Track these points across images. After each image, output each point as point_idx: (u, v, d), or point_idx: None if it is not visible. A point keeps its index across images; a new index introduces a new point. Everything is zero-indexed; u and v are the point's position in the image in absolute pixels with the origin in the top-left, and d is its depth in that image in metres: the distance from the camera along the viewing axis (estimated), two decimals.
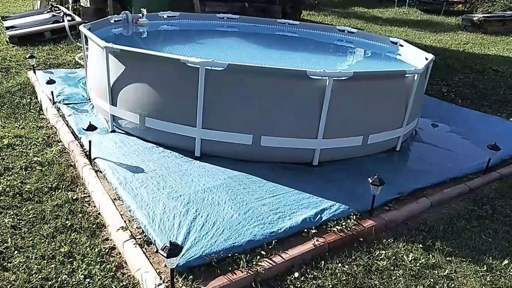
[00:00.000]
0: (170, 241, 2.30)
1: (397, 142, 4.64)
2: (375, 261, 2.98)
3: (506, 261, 3.07)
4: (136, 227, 3.01)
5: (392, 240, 3.23)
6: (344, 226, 3.17)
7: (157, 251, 2.78)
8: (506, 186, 4.20)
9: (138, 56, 4.05)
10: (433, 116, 5.86)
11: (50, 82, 5.15)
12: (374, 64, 6.28)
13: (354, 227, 3.20)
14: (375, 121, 4.27)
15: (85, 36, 5.00)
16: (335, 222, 3.21)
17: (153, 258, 2.74)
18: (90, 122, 3.81)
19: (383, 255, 3.04)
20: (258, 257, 2.78)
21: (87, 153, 3.97)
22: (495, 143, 4.26)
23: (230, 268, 2.66)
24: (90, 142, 3.86)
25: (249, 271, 2.65)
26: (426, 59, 5.07)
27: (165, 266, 2.65)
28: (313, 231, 3.08)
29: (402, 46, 6.02)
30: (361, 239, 3.17)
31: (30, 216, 3.24)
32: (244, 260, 2.71)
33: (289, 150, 4.00)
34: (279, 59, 5.62)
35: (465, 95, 7.12)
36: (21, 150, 4.28)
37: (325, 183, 3.76)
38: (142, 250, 2.79)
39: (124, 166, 3.72)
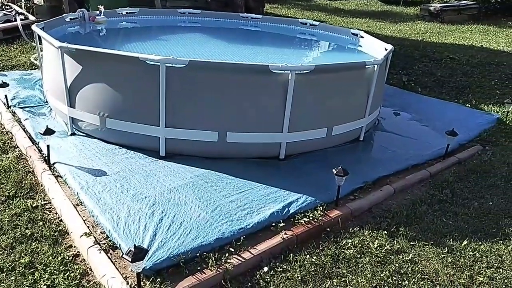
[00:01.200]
0: (135, 244, 2.25)
1: (360, 132, 4.74)
2: (342, 250, 3.04)
3: (465, 242, 3.21)
4: (100, 232, 2.93)
5: (358, 228, 3.30)
6: (311, 218, 3.21)
7: (122, 256, 2.71)
8: (464, 170, 4.38)
9: (95, 55, 3.91)
10: (394, 105, 6.02)
11: (3, 85, 4.91)
12: (336, 56, 6.37)
13: (321, 218, 3.24)
14: (338, 112, 4.34)
15: (39, 36, 4.78)
16: (303, 214, 3.25)
17: (119, 263, 2.68)
18: (47, 126, 3.66)
19: (349, 243, 3.10)
20: (227, 254, 2.77)
21: (46, 158, 3.82)
22: (452, 129, 4.43)
23: (198, 268, 2.64)
24: (48, 146, 3.71)
25: (218, 269, 2.64)
26: (386, 49, 5.18)
27: (131, 270, 2.60)
28: (281, 224, 3.10)
29: (362, 37, 6.13)
30: (328, 230, 3.22)
31: None
32: (213, 259, 2.69)
33: (255, 145, 4.00)
34: (242, 54, 5.59)
35: (424, 83, 7.35)
36: None
37: (292, 176, 3.79)
38: (107, 255, 2.72)
39: (85, 170, 3.60)
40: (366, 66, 4.38)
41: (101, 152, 3.94)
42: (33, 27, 4.82)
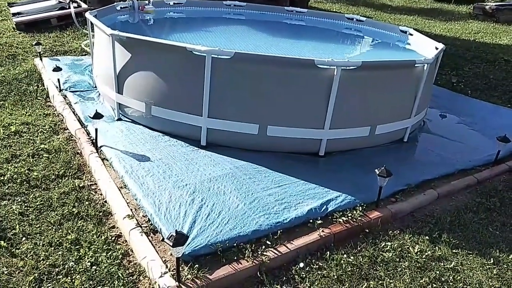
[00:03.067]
0: (176, 230, 2.30)
1: (405, 133, 4.60)
2: (380, 253, 2.97)
3: None
4: (142, 216, 3.02)
5: (398, 231, 3.21)
6: (350, 217, 3.16)
7: (163, 240, 2.79)
8: None
9: (144, 43, 4.01)
10: (442, 107, 5.79)
11: (57, 69, 5.15)
12: (383, 54, 6.19)
13: (360, 218, 3.18)
14: (383, 111, 4.22)
15: (91, 23, 4.97)
16: (341, 213, 3.20)
17: (159, 247, 2.75)
18: (96, 110, 3.80)
19: (389, 246, 3.03)
20: (263, 246, 2.78)
21: (94, 141, 3.98)
22: (505, 135, 4.20)
23: (235, 258, 2.67)
24: (96, 130, 3.86)
25: (254, 261, 2.65)
26: (436, 48, 4.99)
27: (171, 254, 2.66)
28: (319, 221, 3.07)
29: (411, 35, 5.92)
30: (367, 231, 3.16)
31: (37, 203, 3.26)
32: (250, 250, 2.71)
33: (295, 140, 3.97)
34: (286, 48, 5.56)
35: (475, 86, 7.01)
36: (28, 137, 4.30)
37: (331, 173, 3.74)
38: (148, 238, 2.80)
39: (130, 155, 3.72)
40: (416, 65, 4.22)
41: (145, 138, 4.06)
42: (87, 14, 5.01)
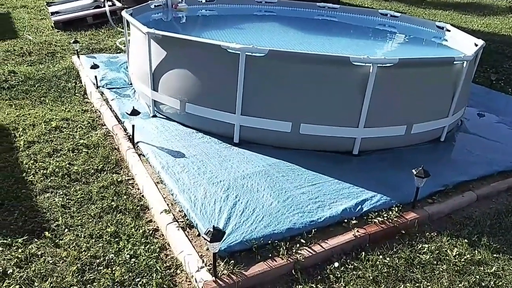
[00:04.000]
0: (214, 226, 2.34)
1: (442, 132, 4.47)
2: (417, 255, 2.91)
3: None
4: (179, 211, 3.08)
5: (435, 234, 3.14)
6: (385, 218, 3.11)
7: (199, 235, 2.84)
8: None
9: (179, 42, 4.08)
10: (480, 105, 5.59)
11: (94, 67, 5.31)
12: (419, 50, 6.03)
13: (396, 219, 3.13)
14: (420, 110, 4.12)
15: (127, 22, 5.09)
16: (376, 213, 3.16)
17: (195, 241, 2.81)
18: (133, 107, 3.90)
19: (426, 248, 2.96)
20: (298, 245, 2.78)
21: (130, 137, 4.09)
22: None
23: (270, 255, 2.69)
24: (133, 126, 3.97)
25: (289, 259, 2.66)
26: (476, 45, 4.82)
27: (207, 249, 2.71)
28: (354, 221, 3.04)
29: (449, 31, 5.74)
30: (403, 232, 3.10)
31: (78, 196, 3.39)
32: (284, 248, 2.72)
33: (328, 139, 3.94)
34: (318, 45, 5.51)
35: None
36: (68, 132, 4.46)
37: (366, 173, 3.69)
38: (185, 233, 2.86)
39: (166, 151, 3.80)
40: (455, 62, 4.10)
41: (179, 135, 4.13)
42: (123, 13, 5.13)
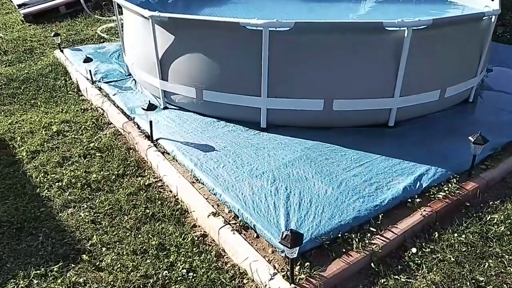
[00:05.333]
0: (291, 229, 2.06)
1: (470, 93, 4.28)
2: (489, 227, 2.73)
3: None
4: (228, 211, 2.78)
5: (498, 202, 2.96)
6: (447, 192, 2.90)
7: (257, 236, 2.56)
8: None
9: (190, 23, 3.67)
10: (490, 61, 5.41)
11: (87, 60, 4.82)
12: (420, 10, 5.76)
13: (457, 191, 2.93)
14: (452, 72, 3.89)
15: (118, 6, 4.61)
16: (437, 187, 2.95)
17: (256, 245, 2.53)
18: (149, 101, 3.52)
19: (496, 219, 2.78)
20: (369, 234, 2.55)
21: (147, 134, 3.72)
22: None
23: (343, 250, 2.44)
24: (151, 122, 3.59)
25: (364, 251, 2.43)
26: None
27: (272, 252, 2.45)
28: (418, 200, 2.82)
29: None
30: (467, 204, 2.91)
31: (106, 208, 3.04)
32: (356, 240, 2.48)
33: (363, 113, 3.68)
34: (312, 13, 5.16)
35: None
36: (73, 136, 4.04)
37: (410, 145, 3.46)
38: (242, 236, 2.57)
39: (192, 146, 3.45)
40: (484, 18, 3.85)
41: (201, 126, 3.78)
42: None
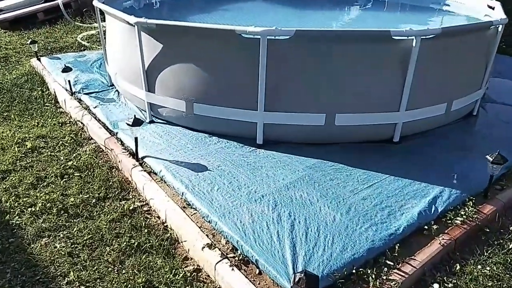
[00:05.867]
0: (305, 270, 1.77)
1: (475, 106, 4.08)
2: None
3: None
4: (225, 242, 2.46)
5: None
6: (465, 217, 2.65)
7: (260, 273, 2.25)
8: None
9: (179, 30, 3.36)
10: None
11: (66, 69, 4.46)
12: (415, 20, 5.61)
13: (475, 216, 2.68)
14: (459, 84, 3.68)
15: (101, 12, 4.27)
16: (453, 212, 2.69)
17: (258, 283, 2.21)
18: (135, 115, 3.19)
19: None
20: (385, 268, 2.26)
21: (132, 151, 3.38)
22: None
23: None
24: (136, 139, 3.25)
25: None
26: (490, 7, 4.44)
27: None
28: (434, 226, 2.55)
29: None
30: (487, 230, 2.66)
31: (85, 238, 2.68)
32: (373, 276, 2.19)
33: (366, 128, 3.42)
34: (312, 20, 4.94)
35: None
36: (49, 153, 3.67)
37: (418, 162, 3.22)
38: (242, 272, 2.25)
39: (182, 165, 3.13)
40: (491, 27, 3.66)
41: (191, 142, 3.46)
42: (95, 2, 4.29)
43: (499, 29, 3.73)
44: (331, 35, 3.15)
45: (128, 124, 3.14)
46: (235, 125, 3.46)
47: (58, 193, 3.11)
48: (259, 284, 2.20)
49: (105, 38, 4.64)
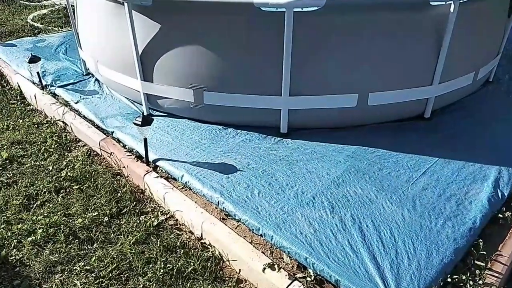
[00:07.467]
0: None
1: (491, 73, 3.90)
2: None
3: None
4: (288, 259, 2.08)
5: None
6: None
7: None
8: None
9: (183, 7, 2.81)
10: None
11: (34, 59, 3.74)
12: None
13: None
14: (484, 50, 3.46)
15: None
16: None
17: None
18: (143, 113, 2.67)
19: None
20: (477, 271, 2.01)
21: (137, 153, 2.87)
22: None
23: None
24: (145, 140, 2.73)
25: None
26: None
27: None
28: (508, 213, 2.32)
29: None
30: None
31: (109, 269, 2.21)
32: (471, 283, 1.93)
33: (398, 106, 3.12)
34: None
35: None
36: (33, 163, 3.07)
37: (458, 140, 2.98)
38: None
39: (206, 166, 2.68)
40: None
41: (206, 137, 3.00)
42: None
43: None
44: (365, 5, 2.74)
45: (136, 124, 2.61)
46: (254, 114, 3.03)
47: (59, 213, 2.57)
48: None
49: (75, 18, 3.93)
